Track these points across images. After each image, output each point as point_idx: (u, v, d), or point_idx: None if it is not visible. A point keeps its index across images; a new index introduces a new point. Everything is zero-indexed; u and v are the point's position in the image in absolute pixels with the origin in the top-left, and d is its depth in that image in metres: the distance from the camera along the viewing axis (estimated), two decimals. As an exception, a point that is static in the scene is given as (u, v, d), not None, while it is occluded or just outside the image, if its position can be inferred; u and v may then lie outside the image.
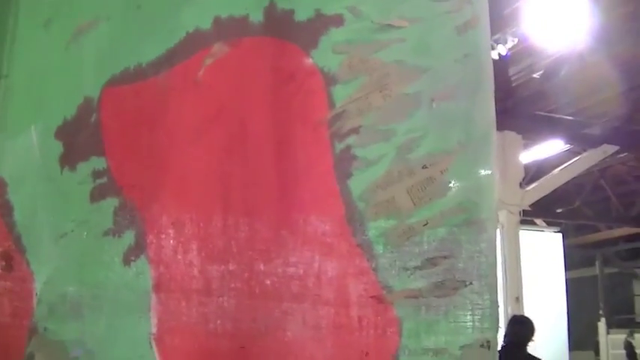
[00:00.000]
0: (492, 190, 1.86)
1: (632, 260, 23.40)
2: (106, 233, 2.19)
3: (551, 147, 15.57)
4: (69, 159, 2.32)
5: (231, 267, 1.99)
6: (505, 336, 6.17)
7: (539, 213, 17.26)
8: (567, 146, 15.46)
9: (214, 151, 2.08)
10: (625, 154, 15.78)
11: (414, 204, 1.84)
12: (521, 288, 13.10)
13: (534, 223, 17.63)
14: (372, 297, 1.83)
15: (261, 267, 1.96)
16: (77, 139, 2.32)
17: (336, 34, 2.01)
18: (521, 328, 6.49)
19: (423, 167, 1.86)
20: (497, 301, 1.80)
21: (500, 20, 11.27)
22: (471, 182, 1.84)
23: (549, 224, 18.34)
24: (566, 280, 17.27)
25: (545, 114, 14.07)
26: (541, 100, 13.95)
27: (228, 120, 2.09)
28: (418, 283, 1.81)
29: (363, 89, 1.94)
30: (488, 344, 1.77)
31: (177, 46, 2.19)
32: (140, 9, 2.33)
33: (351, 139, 1.92)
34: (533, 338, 6.63)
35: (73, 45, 2.43)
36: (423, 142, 1.87)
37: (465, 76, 1.91)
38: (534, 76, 14.37)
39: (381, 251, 1.85)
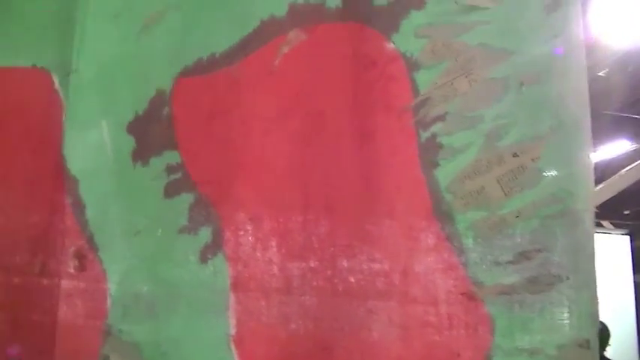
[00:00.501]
0: (588, 178, 1.75)
1: (701, 263, 22.91)
2: (181, 230, 2.12)
3: (617, 147, 15.35)
4: (141, 154, 2.26)
5: (312, 264, 1.91)
6: None
7: (605, 215, 16.98)
8: (635, 146, 15.23)
9: (292, 143, 2.00)
10: (693, 152, 15.47)
11: (505, 194, 1.74)
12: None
13: (601, 225, 17.38)
14: (462, 294, 1.74)
15: (344, 263, 1.87)
16: (149, 133, 2.25)
17: (417, 17, 1.92)
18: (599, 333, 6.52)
19: (513, 155, 1.76)
20: (596, 297, 1.69)
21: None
22: (565, 170, 1.73)
23: (616, 226, 18.07)
24: (634, 283, 17.01)
25: (612, 113, 13.87)
26: (607, 98, 13.75)
27: (306, 109, 2.01)
28: (511, 278, 1.70)
29: (447, 74, 1.85)
30: (587, 344, 1.65)
31: (252, 34, 2.12)
32: None
33: (436, 127, 1.83)
34: (610, 343, 6.69)
35: (144, 36, 2.35)
36: (513, 128, 1.77)
37: (555, 58, 1.81)
38: (600, 74, 14.18)
39: (471, 245, 1.75)
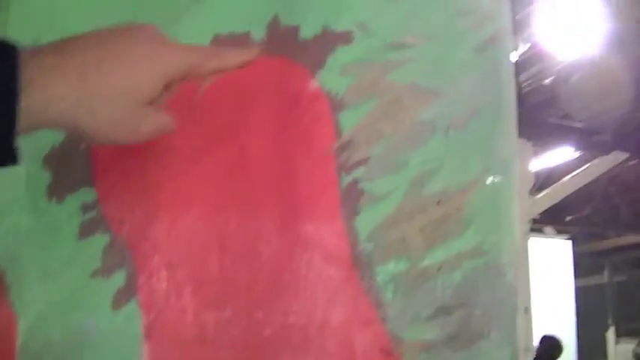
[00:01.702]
0: (514, 230, 1.69)
1: (640, 268, 23.34)
2: (94, 273, 2.00)
3: (561, 154, 15.54)
4: (57, 190, 2.14)
5: (227, 314, 1.82)
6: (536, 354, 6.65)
7: (548, 220, 17.21)
8: (578, 153, 15.42)
9: (210, 182, 1.91)
10: (635, 161, 15.68)
11: (428, 245, 1.68)
12: (530, 298, 13.03)
13: (544, 231, 17.56)
14: (380, 350, 1.66)
15: (260, 314, 1.78)
16: (66, 167, 2.14)
17: (344, 54, 1.84)
18: (550, 346, 7.05)
19: (437, 203, 1.69)
20: (517, 354, 1.64)
21: (512, 26, 11.19)
22: (490, 221, 1.68)
23: (559, 232, 18.30)
24: (575, 288, 17.29)
25: (556, 121, 14.06)
26: (551, 106, 13.97)
27: (228, 147, 1.92)
28: (431, 334, 1.63)
29: (372, 115, 1.78)
30: (508, 403, 1.60)
31: (174, 65, 2.03)
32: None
33: (358, 172, 1.75)
34: (561, 355, 7.29)
35: None
36: (438, 175, 1.71)
37: (484, 100, 1.75)
38: (545, 82, 14.34)
39: (391, 298, 1.67)
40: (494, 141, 1.72)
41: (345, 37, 1.84)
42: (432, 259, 1.67)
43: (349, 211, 1.74)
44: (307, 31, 1.90)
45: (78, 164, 2.12)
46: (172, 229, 1.93)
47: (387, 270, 1.69)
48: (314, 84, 1.85)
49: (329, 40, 1.86)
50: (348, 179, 1.76)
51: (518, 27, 11.58)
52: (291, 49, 1.91)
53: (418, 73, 1.78)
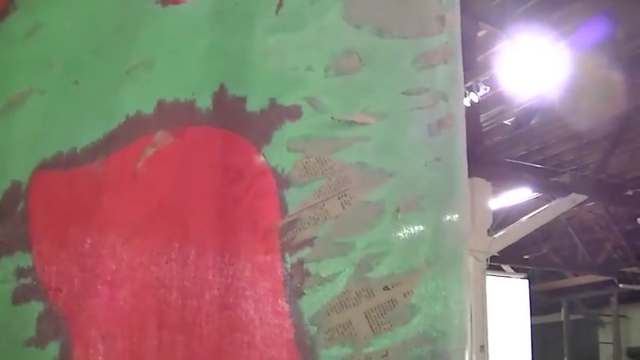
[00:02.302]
0: (462, 317, 1.64)
1: (596, 308, 23.48)
2: (27, 343, 1.92)
3: (520, 194, 15.55)
4: (-8, 250, 2.07)
5: (166, 392, 1.75)
6: None
7: (506, 259, 17.21)
8: (535, 194, 15.46)
9: (150, 256, 1.84)
10: (593, 203, 15.75)
11: (373, 331, 1.63)
12: (487, 336, 13.02)
13: (501, 269, 17.56)
14: None
15: (200, 396, 1.71)
16: (1, 229, 2.06)
17: (291, 129, 1.79)
18: None
19: (384, 288, 1.64)
20: None
21: (473, 67, 11.26)
22: (438, 308, 1.62)
23: (516, 270, 18.32)
24: (531, 325, 17.32)
25: (515, 161, 14.10)
26: (511, 147, 14.02)
27: (168, 220, 1.85)
28: (375, 422, 1.58)
29: (319, 194, 1.72)
30: None
31: (116, 130, 1.94)
32: (77, 85, 2.07)
33: (304, 252, 1.70)
34: None
35: (3, 120, 2.15)
36: (385, 258, 1.66)
37: (435, 182, 1.70)
38: (505, 122, 14.41)
39: (334, 384, 1.62)
40: (444, 225, 1.68)
41: (293, 112, 1.79)
42: (377, 345, 1.62)
43: (293, 292, 1.69)
44: (254, 104, 1.84)
45: (14, 226, 2.04)
46: (110, 301, 1.86)
47: (331, 355, 1.63)
48: (259, 159, 1.80)
49: (276, 114, 1.80)
50: (292, 259, 1.70)
51: (480, 69, 11.65)
52: (237, 121, 1.85)
53: (368, 152, 1.73)
